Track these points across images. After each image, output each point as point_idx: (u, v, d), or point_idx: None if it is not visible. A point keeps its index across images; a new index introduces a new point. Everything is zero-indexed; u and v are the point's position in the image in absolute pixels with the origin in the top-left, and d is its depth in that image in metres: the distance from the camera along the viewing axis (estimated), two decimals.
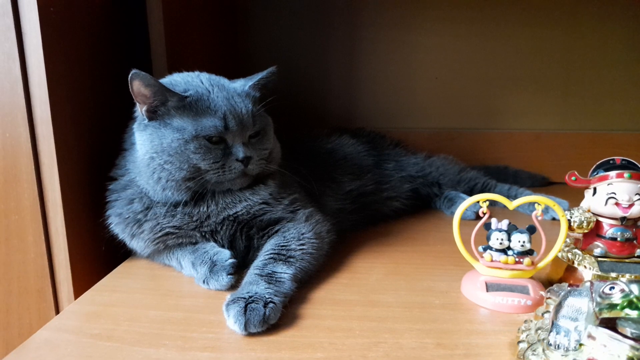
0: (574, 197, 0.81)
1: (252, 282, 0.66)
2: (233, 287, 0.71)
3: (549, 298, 0.57)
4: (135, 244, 0.80)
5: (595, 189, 0.68)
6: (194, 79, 0.79)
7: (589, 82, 1.42)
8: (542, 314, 0.57)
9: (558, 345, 0.49)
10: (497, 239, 0.68)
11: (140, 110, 0.76)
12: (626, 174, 0.65)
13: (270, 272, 0.69)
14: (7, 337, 0.79)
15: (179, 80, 0.78)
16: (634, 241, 0.68)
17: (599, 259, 0.68)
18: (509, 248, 0.68)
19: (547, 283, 0.72)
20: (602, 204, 0.67)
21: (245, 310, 0.60)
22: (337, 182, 1.00)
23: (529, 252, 0.68)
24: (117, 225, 0.79)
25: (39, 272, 0.77)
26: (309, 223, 0.79)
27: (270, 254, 0.72)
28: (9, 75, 0.71)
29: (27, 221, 0.76)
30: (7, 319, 0.79)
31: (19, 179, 0.74)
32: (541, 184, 1.38)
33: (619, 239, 0.67)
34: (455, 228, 0.70)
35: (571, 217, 0.69)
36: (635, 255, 0.68)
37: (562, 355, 0.48)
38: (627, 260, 0.68)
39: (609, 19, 1.38)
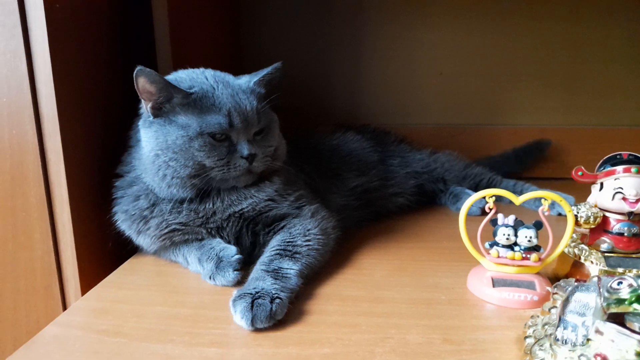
0: (580, 192, 0.81)
1: (259, 278, 0.66)
2: (239, 283, 0.72)
3: (556, 293, 0.57)
4: (141, 241, 0.80)
5: (602, 184, 0.68)
6: (199, 76, 0.79)
7: (593, 77, 1.41)
8: (549, 310, 0.57)
9: (565, 341, 0.49)
10: (504, 235, 0.68)
11: (145, 107, 0.76)
12: (633, 169, 0.65)
13: (276, 267, 0.69)
14: (16, 334, 0.79)
15: (184, 77, 0.78)
16: None
17: (606, 254, 0.68)
18: (515, 244, 0.68)
19: (553, 278, 0.72)
20: (609, 199, 0.67)
21: (252, 306, 0.60)
22: (342, 179, 1.00)
23: (535, 248, 0.68)
24: (124, 222, 0.80)
25: (46, 269, 0.77)
26: (314, 219, 0.79)
27: (276, 249, 0.73)
28: (16, 72, 0.72)
29: (34, 218, 0.76)
30: (15, 316, 0.79)
31: (25, 177, 0.75)
32: (546, 147, 1.38)
33: (626, 234, 0.67)
34: (462, 224, 0.69)
35: (578, 212, 0.68)
36: None
37: (570, 351, 0.48)
38: (634, 256, 0.68)
39: (613, 14, 1.37)
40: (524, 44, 1.41)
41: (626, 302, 0.45)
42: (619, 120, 1.43)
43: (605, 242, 0.68)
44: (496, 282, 0.68)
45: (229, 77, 0.80)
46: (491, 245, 0.69)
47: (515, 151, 1.38)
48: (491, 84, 1.45)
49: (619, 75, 1.41)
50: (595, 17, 1.38)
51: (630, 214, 0.66)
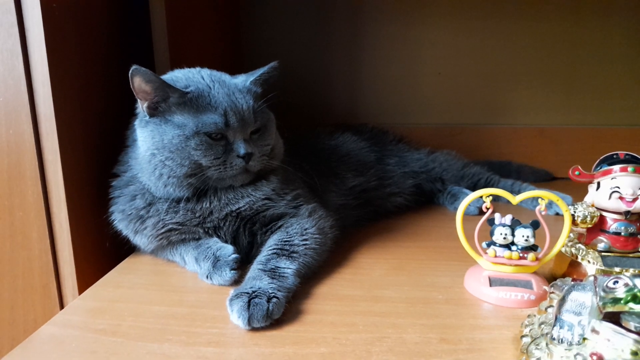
0: (578, 192, 0.81)
1: (256, 277, 0.66)
2: (236, 282, 0.72)
3: (553, 293, 0.57)
4: (138, 240, 0.80)
5: (599, 183, 0.68)
6: (195, 75, 0.78)
7: (592, 77, 1.41)
8: (546, 309, 0.56)
9: (562, 340, 0.49)
10: (501, 234, 0.68)
11: (141, 106, 0.76)
12: (630, 168, 0.65)
13: (273, 267, 0.69)
14: (13, 334, 0.79)
15: (180, 77, 0.78)
16: (638, 236, 0.67)
17: (603, 253, 0.68)
18: (512, 243, 0.68)
19: (550, 278, 0.72)
20: (606, 198, 0.66)
21: (249, 305, 0.60)
22: (340, 178, 1.00)
23: (532, 247, 0.68)
24: (121, 222, 0.80)
25: (43, 269, 0.77)
26: (312, 218, 0.79)
27: (274, 249, 0.73)
28: (13, 72, 0.72)
29: (32, 218, 0.76)
30: (13, 315, 0.79)
31: (23, 176, 0.75)
32: (544, 179, 1.38)
33: (622, 233, 0.67)
34: (459, 223, 0.69)
35: (575, 211, 0.68)
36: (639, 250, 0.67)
37: (566, 350, 0.48)
38: (631, 255, 0.67)
39: (612, 14, 1.37)
40: (524, 44, 1.41)
41: (622, 302, 0.45)
42: (619, 120, 1.43)
43: (602, 242, 0.68)
44: (493, 282, 0.68)
45: (225, 77, 0.80)
46: (488, 245, 0.69)
47: (518, 166, 1.37)
48: (491, 84, 1.45)
49: (618, 75, 1.41)
50: (595, 17, 1.37)
51: (627, 213, 0.66)
